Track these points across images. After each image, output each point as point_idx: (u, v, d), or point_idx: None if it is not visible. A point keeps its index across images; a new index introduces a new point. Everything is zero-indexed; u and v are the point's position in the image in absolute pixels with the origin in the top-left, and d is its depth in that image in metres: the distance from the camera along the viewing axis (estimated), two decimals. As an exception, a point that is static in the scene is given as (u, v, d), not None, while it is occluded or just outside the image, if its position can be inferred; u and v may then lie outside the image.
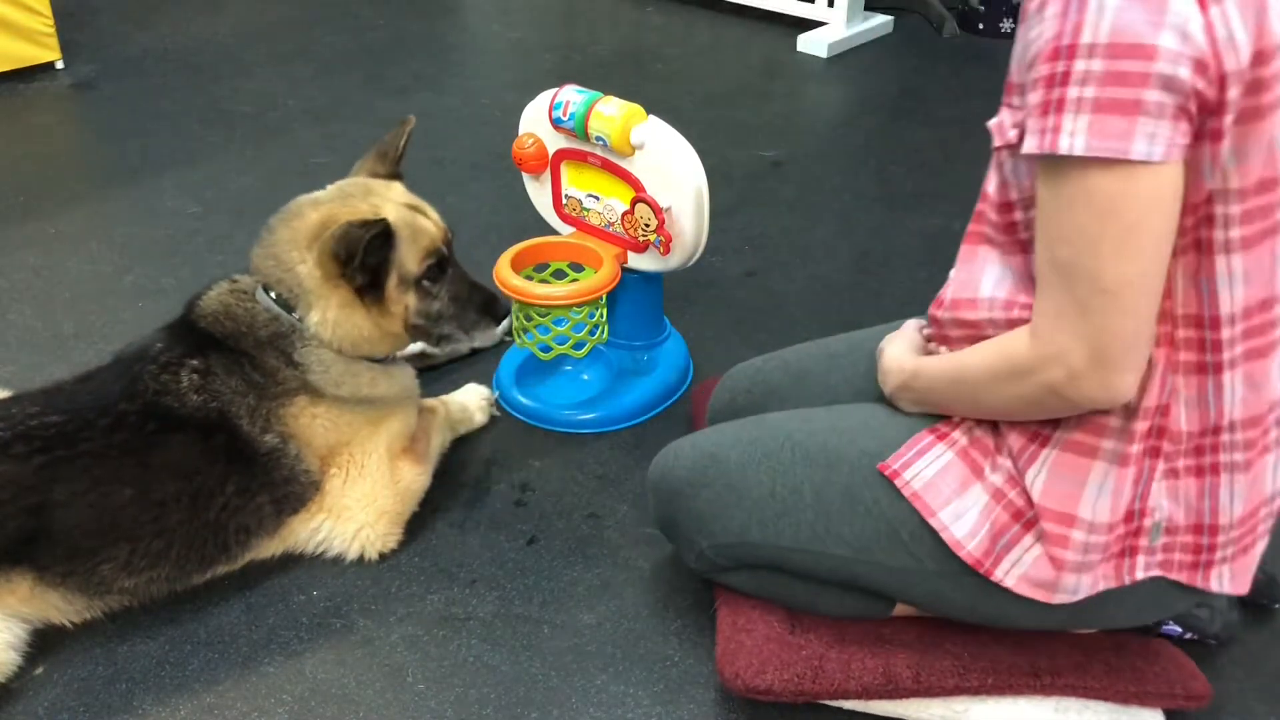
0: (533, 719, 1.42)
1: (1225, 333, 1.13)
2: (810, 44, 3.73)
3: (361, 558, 1.66)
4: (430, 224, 1.64)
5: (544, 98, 1.89)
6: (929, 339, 1.39)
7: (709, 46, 3.87)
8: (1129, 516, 1.20)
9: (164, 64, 3.63)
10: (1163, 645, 1.44)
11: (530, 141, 1.94)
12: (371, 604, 1.59)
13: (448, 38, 3.98)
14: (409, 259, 1.59)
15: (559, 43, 3.97)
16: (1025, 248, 1.18)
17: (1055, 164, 1.04)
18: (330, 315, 1.58)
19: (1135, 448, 1.17)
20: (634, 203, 1.84)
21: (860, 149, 3.05)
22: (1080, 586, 1.23)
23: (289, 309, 1.59)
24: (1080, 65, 0.99)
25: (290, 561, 1.66)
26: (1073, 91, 1.00)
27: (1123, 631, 1.46)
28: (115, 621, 1.55)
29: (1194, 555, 1.23)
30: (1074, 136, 1.00)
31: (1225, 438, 1.17)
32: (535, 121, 1.93)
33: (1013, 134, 1.13)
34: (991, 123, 1.19)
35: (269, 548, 1.64)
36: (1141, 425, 1.16)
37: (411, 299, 1.62)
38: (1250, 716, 1.42)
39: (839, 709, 1.41)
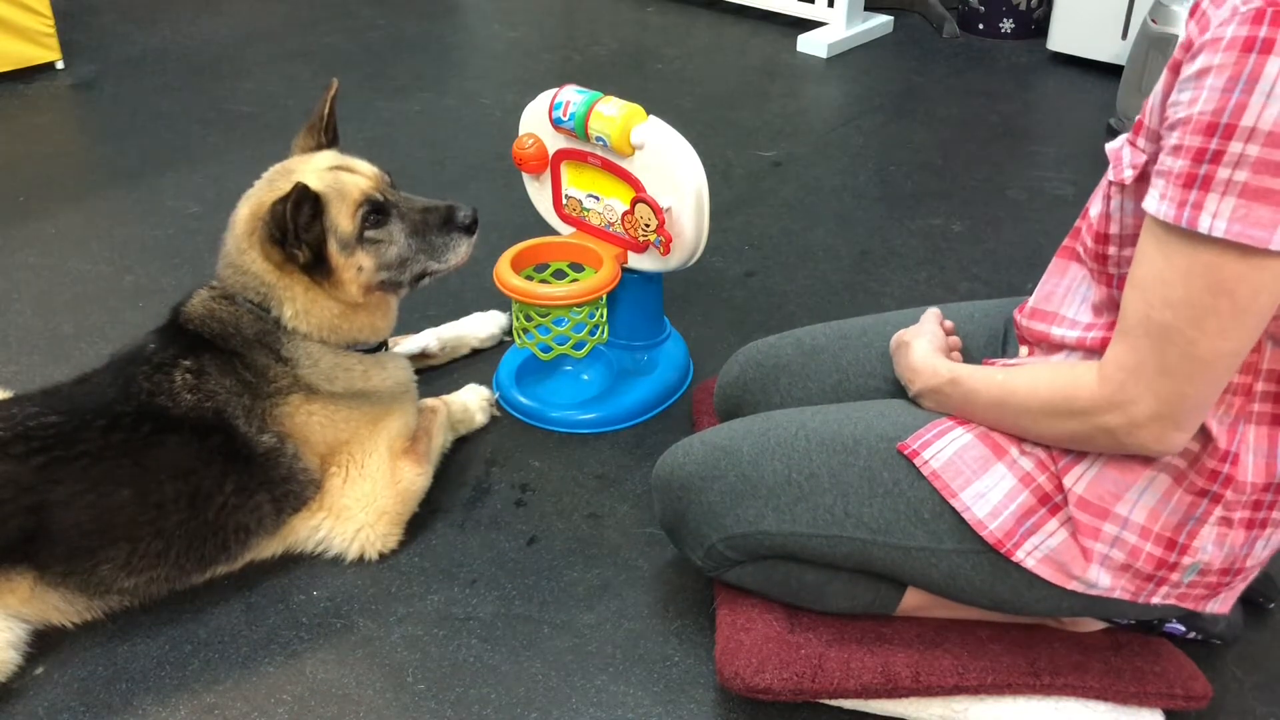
0: (533, 719, 1.42)
1: None
2: (810, 44, 3.73)
3: (361, 558, 1.66)
4: (358, 176, 1.60)
5: (544, 98, 1.89)
6: (951, 337, 1.39)
7: (709, 46, 3.87)
8: (1170, 544, 1.20)
9: (164, 64, 3.63)
10: (1163, 645, 1.44)
11: (530, 141, 1.94)
12: (371, 604, 1.59)
13: (448, 38, 3.98)
14: (341, 219, 1.56)
15: (559, 43, 3.97)
16: (1112, 281, 1.17)
17: (1182, 233, 1.01)
18: (299, 305, 1.58)
19: (1197, 478, 1.17)
20: (634, 203, 1.84)
21: (860, 149, 3.05)
22: (1100, 582, 1.24)
23: (264, 309, 1.59)
24: (1236, 147, 0.95)
25: (290, 561, 1.66)
26: (1223, 173, 0.96)
27: (1124, 631, 1.46)
28: (115, 621, 1.55)
29: (1211, 591, 1.25)
30: (1216, 219, 0.97)
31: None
32: (535, 121, 1.93)
33: (1129, 174, 1.11)
34: (1111, 148, 1.16)
35: (269, 547, 1.64)
36: (1209, 464, 1.16)
37: (363, 258, 1.58)
38: (1250, 716, 1.42)
39: (838, 708, 1.41)
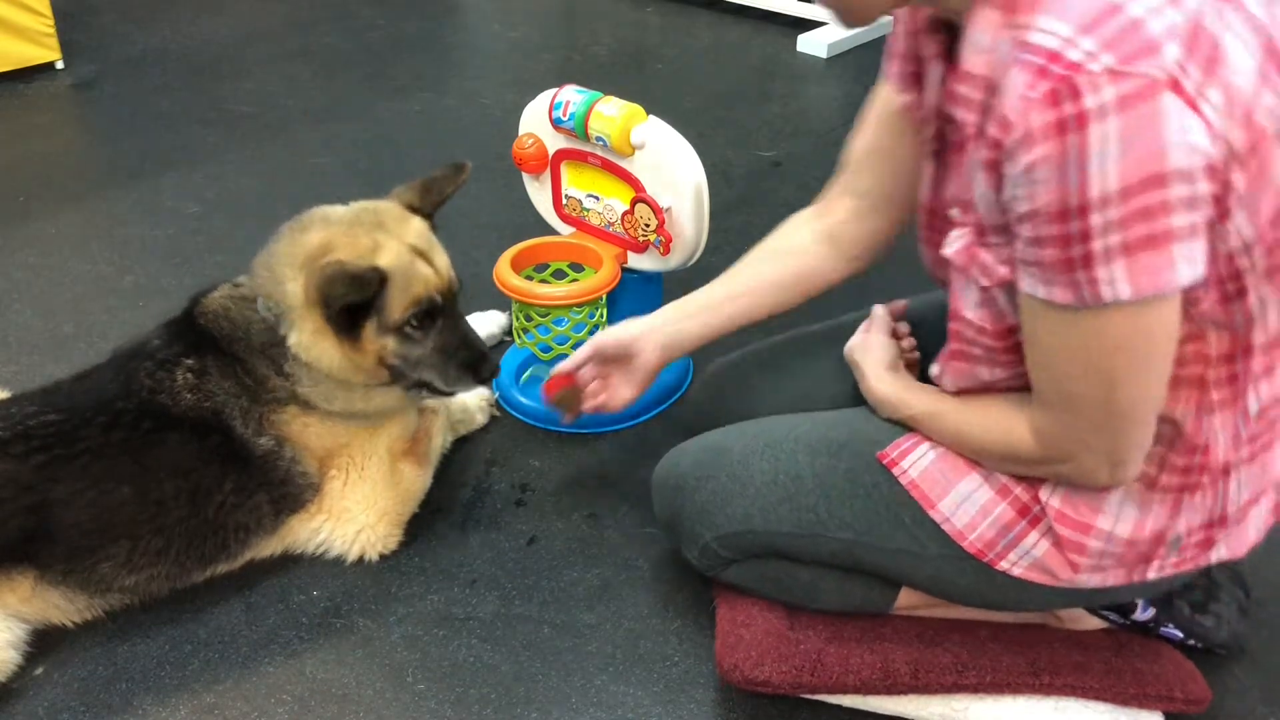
0: (533, 719, 1.42)
1: (1259, 359, 1.12)
2: (810, 44, 3.73)
3: (362, 559, 1.65)
4: (430, 272, 1.55)
5: (544, 98, 1.89)
6: (904, 340, 1.40)
7: (709, 46, 3.87)
8: (1158, 539, 1.21)
9: (164, 64, 3.63)
10: (1163, 647, 1.44)
11: (530, 141, 1.94)
12: (371, 604, 1.59)
13: (448, 38, 3.98)
14: (394, 306, 1.52)
15: (559, 43, 3.97)
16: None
17: (1075, 310, 1.01)
18: (304, 339, 1.54)
19: (1169, 478, 1.18)
20: (634, 203, 1.84)
21: (860, 149, 3.05)
22: (1091, 582, 1.24)
23: (277, 322, 1.56)
24: (1097, 219, 0.94)
25: (290, 561, 1.66)
26: (1098, 245, 0.96)
27: (1124, 632, 1.46)
28: (115, 621, 1.55)
29: (1202, 547, 1.24)
30: (1116, 284, 0.97)
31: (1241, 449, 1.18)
32: (535, 121, 1.93)
33: (1003, 270, 1.09)
34: (953, 252, 1.14)
35: (268, 547, 1.64)
36: (1181, 460, 1.16)
37: (391, 342, 1.55)
38: (1251, 717, 1.42)
39: (838, 707, 1.41)
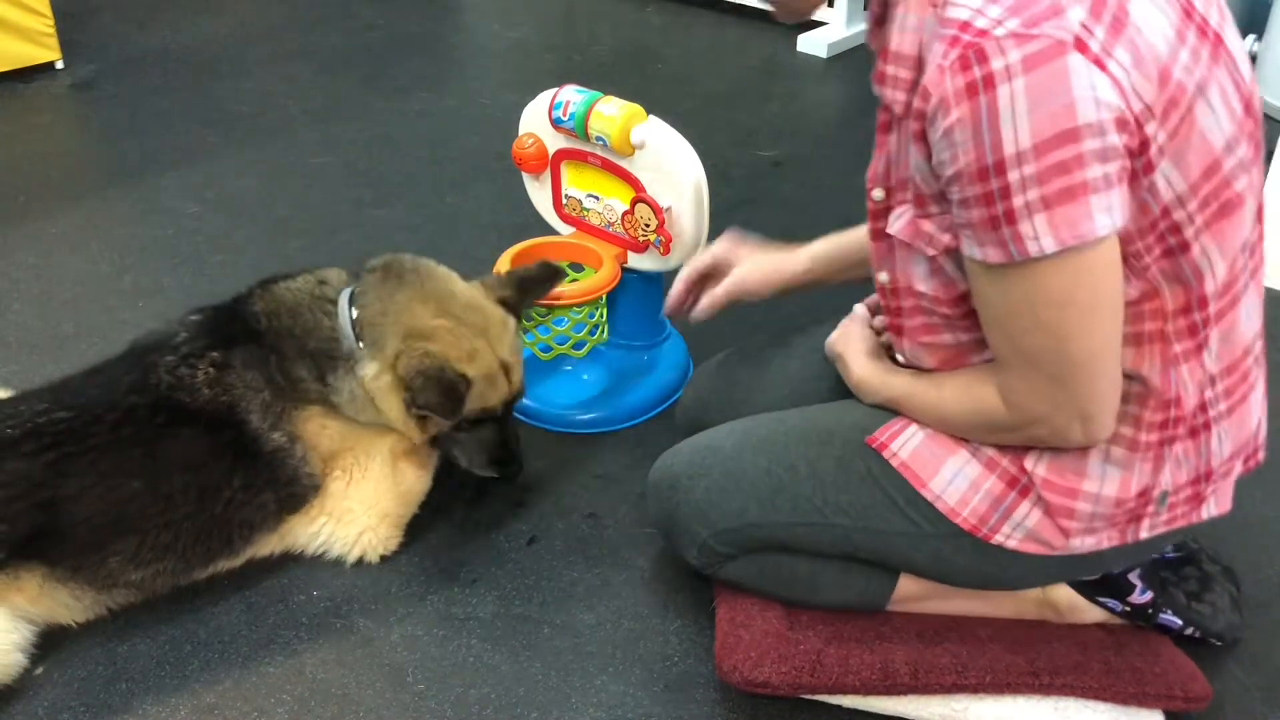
0: (533, 719, 1.42)
1: (1213, 306, 1.15)
2: (810, 44, 3.73)
3: (362, 560, 1.65)
4: (506, 386, 1.62)
5: (544, 98, 1.89)
6: (881, 330, 1.41)
7: (709, 46, 3.87)
8: (1144, 496, 1.23)
9: (164, 64, 3.63)
10: (1163, 645, 1.44)
11: (530, 141, 1.94)
12: (371, 604, 1.59)
13: (448, 38, 3.98)
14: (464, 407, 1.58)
15: (559, 43, 3.97)
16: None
17: (1012, 267, 1.05)
18: (378, 385, 1.57)
19: (1148, 436, 1.19)
20: (634, 203, 1.84)
21: (860, 149, 3.02)
22: (1085, 545, 1.26)
23: (358, 339, 1.58)
24: (1014, 175, 1.00)
25: (290, 561, 1.66)
26: (1018, 200, 1.01)
27: (1124, 631, 1.46)
28: (116, 621, 1.55)
29: (1192, 504, 1.26)
30: (1041, 238, 1.02)
31: (1209, 394, 1.20)
32: (535, 121, 1.93)
33: (947, 238, 1.14)
34: (897, 230, 1.20)
35: (270, 545, 1.64)
36: (1156, 416, 1.18)
37: (442, 426, 1.61)
38: (1251, 717, 1.42)
39: (838, 707, 1.41)
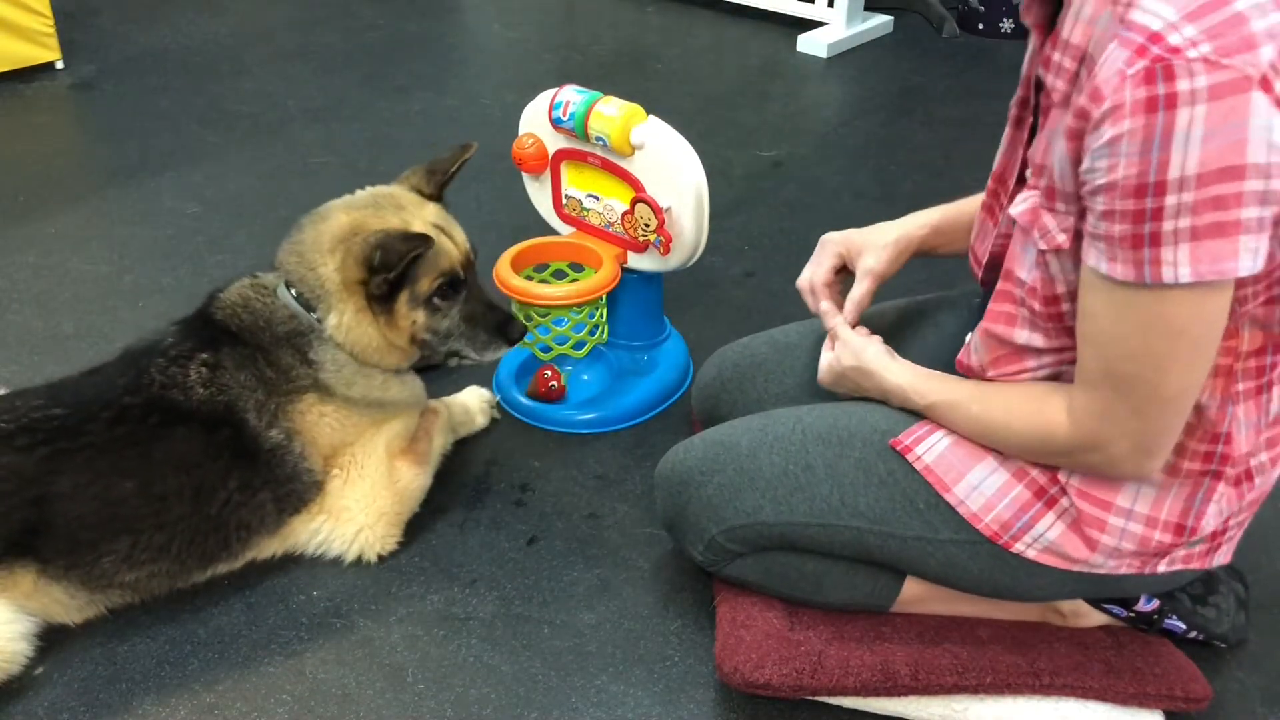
0: (533, 719, 1.42)
1: None
2: (810, 44, 3.73)
3: (360, 559, 1.66)
4: (452, 245, 1.64)
5: (544, 98, 1.89)
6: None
7: (709, 46, 3.87)
8: (1179, 529, 1.23)
9: (164, 64, 3.63)
10: (1164, 646, 1.44)
11: (530, 141, 1.94)
12: (371, 604, 1.59)
13: (448, 38, 3.98)
14: (422, 278, 1.60)
15: (559, 43, 3.97)
16: (1072, 333, 1.17)
17: (1138, 288, 1.03)
18: (345, 320, 1.60)
19: (1190, 464, 1.19)
20: (634, 203, 1.84)
21: (860, 149, 3.05)
22: (1105, 566, 1.26)
23: (309, 308, 1.60)
24: (1171, 200, 0.97)
25: (290, 561, 1.66)
26: (1168, 225, 0.98)
27: (1125, 630, 1.46)
28: (115, 621, 1.54)
29: (1211, 551, 1.27)
30: (1179, 267, 0.99)
31: (1262, 438, 1.20)
32: (535, 121, 1.93)
33: (1063, 238, 1.12)
34: (1019, 211, 1.17)
35: (269, 547, 1.64)
36: (1202, 447, 1.18)
37: (420, 315, 1.62)
38: (1251, 717, 1.42)
39: (838, 707, 1.41)
